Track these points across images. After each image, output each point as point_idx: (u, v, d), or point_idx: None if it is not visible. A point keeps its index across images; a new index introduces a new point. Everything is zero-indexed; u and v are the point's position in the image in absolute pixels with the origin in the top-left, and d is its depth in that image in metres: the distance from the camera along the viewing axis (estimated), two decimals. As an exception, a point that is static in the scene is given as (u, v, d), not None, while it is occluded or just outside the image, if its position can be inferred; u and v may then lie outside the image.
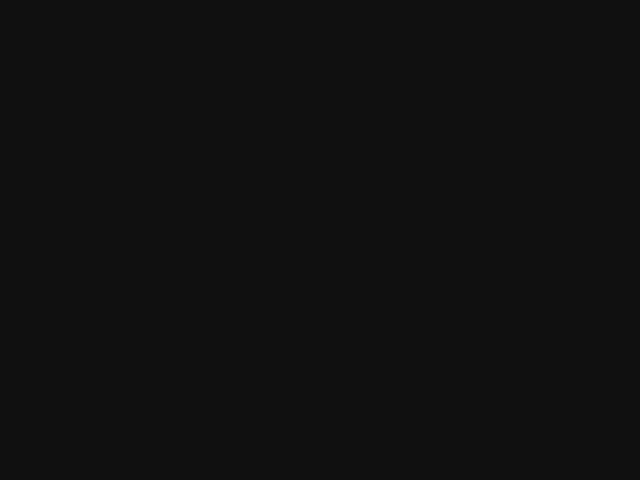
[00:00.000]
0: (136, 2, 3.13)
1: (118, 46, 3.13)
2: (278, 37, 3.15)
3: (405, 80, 3.14)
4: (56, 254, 3.11)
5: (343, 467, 3.10)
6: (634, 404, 3.08)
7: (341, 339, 3.12)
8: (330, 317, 3.12)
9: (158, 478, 3.08)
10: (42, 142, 3.13)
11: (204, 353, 3.10)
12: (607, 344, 3.11)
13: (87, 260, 3.11)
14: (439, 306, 3.12)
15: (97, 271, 3.10)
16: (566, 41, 3.15)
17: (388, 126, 3.14)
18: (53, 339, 3.09)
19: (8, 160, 3.12)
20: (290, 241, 3.13)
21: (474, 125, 3.14)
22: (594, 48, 3.15)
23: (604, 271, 3.12)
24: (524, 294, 3.12)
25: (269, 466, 3.09)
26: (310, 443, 3.10)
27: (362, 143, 3.14)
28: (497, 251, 3.13)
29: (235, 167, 3.14)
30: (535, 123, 3.14)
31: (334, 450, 3.10)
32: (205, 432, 3.09)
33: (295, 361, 3.11)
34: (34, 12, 3.14)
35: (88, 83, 3.14)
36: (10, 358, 3.09)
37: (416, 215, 3.13)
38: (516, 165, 3.14)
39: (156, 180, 3.13)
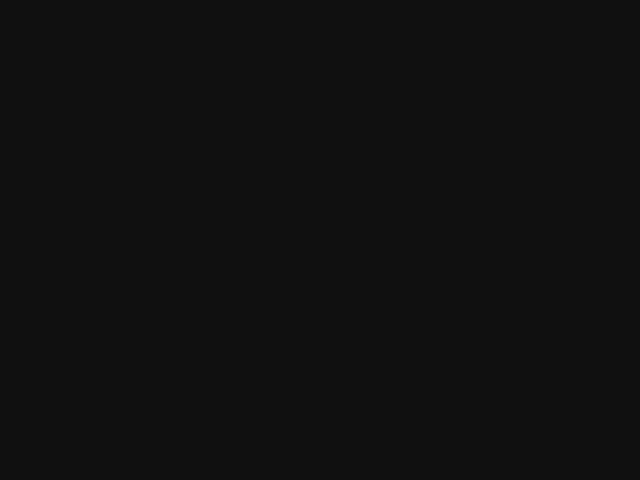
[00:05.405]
0: (137, 2, 3.13)
1: (118, 46, 3.14)
2: (277, 37, 3.16)
3: (405, 80, 3.14)
4: (56, 254, 3.11)
5: (343, 467, 3.10)
6: (634, 404, 3.09)
7: (341, 339, 3.12)
8: (330, 317, 3.12)
9: (158, 478, 3.08)
10: (42, 142, 3.13)
11: (204, 353, 3.11)
12: (607, 344, 3.11)
13: (87, 260, 3.11)
14: (439, 306, 3.12)
15: (97, 271, 3.11)
16: (566, 41, 3.15)
17: (388, 126, 3.15)
18: (53, 339, 3.09)
19: (8, 160, 3.12)
20: (290, 241, 3.13)
21: (474, 125, 3.15)
22: (594, 48, 3.16)
23: (604, 271, 3.12)
24: (524, 294, 3.12)
25: (269, 466, 3.10)
26: (310, 443, 3.10)
27: (362, 144, 3.14)
28: (497, 251, 3.13)
29: (235, 167, 3.14)
30: (535, 123, 3.15)
31: (334, 450, 3.10)
32: (205, 432, 3.10)
33: (295, 361, 3.11)
34: (34, 12, 3.14)
35: (88, 83, 3.14)
36: (10, 358, 3.09)
37: (416, 215, 3.13)
38: (516, 165, 3.14)
39: (156, 180, 3.14)
